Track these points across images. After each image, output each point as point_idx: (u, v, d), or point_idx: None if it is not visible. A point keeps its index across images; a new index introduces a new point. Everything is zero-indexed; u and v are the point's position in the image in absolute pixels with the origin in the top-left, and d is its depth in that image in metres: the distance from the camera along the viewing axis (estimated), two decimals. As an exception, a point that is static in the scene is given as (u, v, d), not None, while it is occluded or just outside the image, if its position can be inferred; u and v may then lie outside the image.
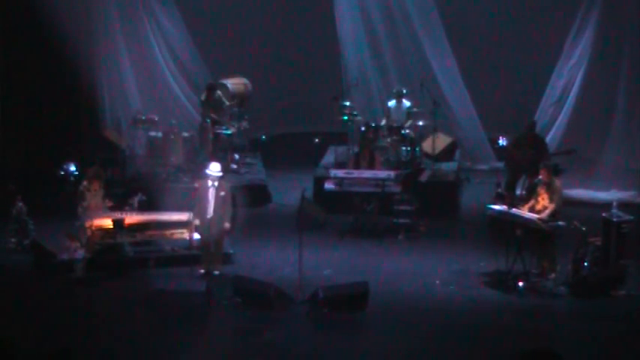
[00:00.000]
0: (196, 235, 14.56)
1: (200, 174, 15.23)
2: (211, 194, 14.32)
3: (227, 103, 18.93)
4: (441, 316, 13.05)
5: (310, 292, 13.22)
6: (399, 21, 19.91)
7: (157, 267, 14.60)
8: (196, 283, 13.68)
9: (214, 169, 14.47)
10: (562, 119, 18.72)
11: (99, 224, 14.54)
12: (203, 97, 18.80)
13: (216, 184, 14.38)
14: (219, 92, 18.84)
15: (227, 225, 14.42)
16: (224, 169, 17.35)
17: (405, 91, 18.69)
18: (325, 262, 14.90)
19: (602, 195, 17.39)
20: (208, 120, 18.28)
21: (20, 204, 15.44)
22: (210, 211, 14.27)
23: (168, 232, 14.86)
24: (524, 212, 13.87)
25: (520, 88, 20.42)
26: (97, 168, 15.33)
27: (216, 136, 18.31)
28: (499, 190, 16.67)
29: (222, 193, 14.36)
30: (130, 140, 19.04)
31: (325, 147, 19.83)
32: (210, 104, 18.52)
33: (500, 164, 18.18)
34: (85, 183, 14.83)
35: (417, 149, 18.20)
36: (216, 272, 14.38)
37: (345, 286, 13.46)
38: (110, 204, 14.88)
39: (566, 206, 14.39)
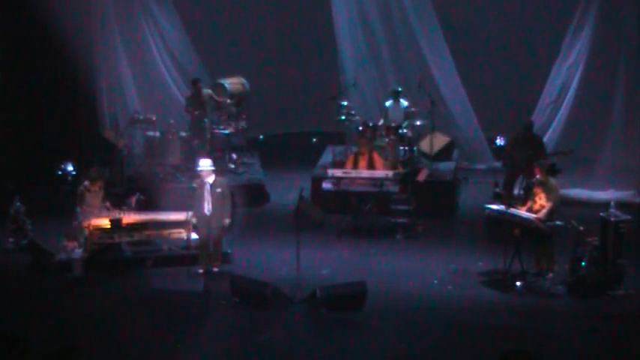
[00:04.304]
0: (194, 235, 14.56)
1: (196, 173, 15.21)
2: (207, 191, 14.29)
3: (223, 101, 18.92)
4: (439, 316, 13.06)
5: (308, 291, 13.24)
6: (397, 21, 19.92)
7: (155, 267, 14.60)
8: (194, 283, 13.68)
9: (204, 164, 14.45)
10: (560, 119, 18.74)
11: (97, 224, 14.54)
12: (190, 94, 18.85)
13: (210, 180, 14.35)
14: (209, 91, 18.83)
15: (226, 221, 14.41)
16: (221, 169, 17.42)
17: (400, 89, 18.71)
18: (323, 261, 14.92)
19: (599, 195, 17.40)
20: (206, 120, 18.29)
21: (18, 204, 15.45)
22: (209, 207, 14.25)
23: (166, 232, 14.86)
24: (522, 212, 13.88)
25: (518, 88, 20.44)
26: (98, 169, 15.33)
27: (213, 135, 18.36)
28: (497, 189, 16.70)
29: (219, 190, 14.33)
30: (128, 140, 19.04)
31: (323, 147, 19.85)
32: (197, 101, 18.51)
33: (498, 164, 18.20)
34: (85, 183, 14.79)
35: (415, 149, 18.22)
36: (216, 269, 14.38)
37: (343, 286, 13.47)
38: (109, 205, 14.85)
39: (564, 206, 14.39)
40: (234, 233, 15.32)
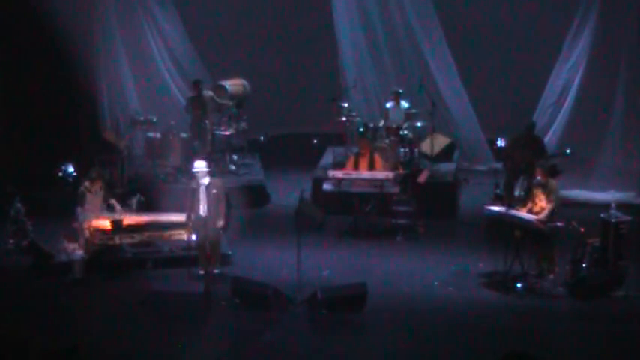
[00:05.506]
0: (194, 236, 14.55)
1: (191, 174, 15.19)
2: (202, 193, 14.26)
3: (224, 102, 18.93)
4: (440, 317, 13.06)
5: (309, 292, 13.22)
6: (398, 22, 19.93)
7: (156, 268, 14.60)
8: (195, 284, 13.67)
9: (199, 166, 14.43)
10: (560, 120, 18.76)
11: (97, 225, 14.53)
12: (191, 95, 18.87)
13: (205, 182, 14.31)
14: (209, 92, 18.84)
15: (220, 223, 14.34)
16: (222, 170, 17.44)
17: (401, 91, 18.73)
18: (324, 262, 14.90)
19: (600, 196, 17.41)
20: (207, 122, 18.30)
21: (18, 205, 15.43)
22: (204, 209, 14.22)
23: (166, 233, 14.81)
24: (522, 213, 13.88)
25: (518, 89, 20.43)
26: (98, 169, 15.32)
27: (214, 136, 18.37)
28: (497, 191, 16.69)
29: (214, 191, 14.29)
30: (129, 141, 19.04)
31: (324, 148, 19.85)
32: (197, 102, 18.54)
33: (499, 165, 18.18)
34: (86, 184, 14.78)
35: (415, 150, 18.22)
36: (216, 271, 14.35)
37: (344, 287, 13.46)
38: (114, 204, 14.83)
39: (564, 207, 14.39)
40: (231, 234, 15.31)
